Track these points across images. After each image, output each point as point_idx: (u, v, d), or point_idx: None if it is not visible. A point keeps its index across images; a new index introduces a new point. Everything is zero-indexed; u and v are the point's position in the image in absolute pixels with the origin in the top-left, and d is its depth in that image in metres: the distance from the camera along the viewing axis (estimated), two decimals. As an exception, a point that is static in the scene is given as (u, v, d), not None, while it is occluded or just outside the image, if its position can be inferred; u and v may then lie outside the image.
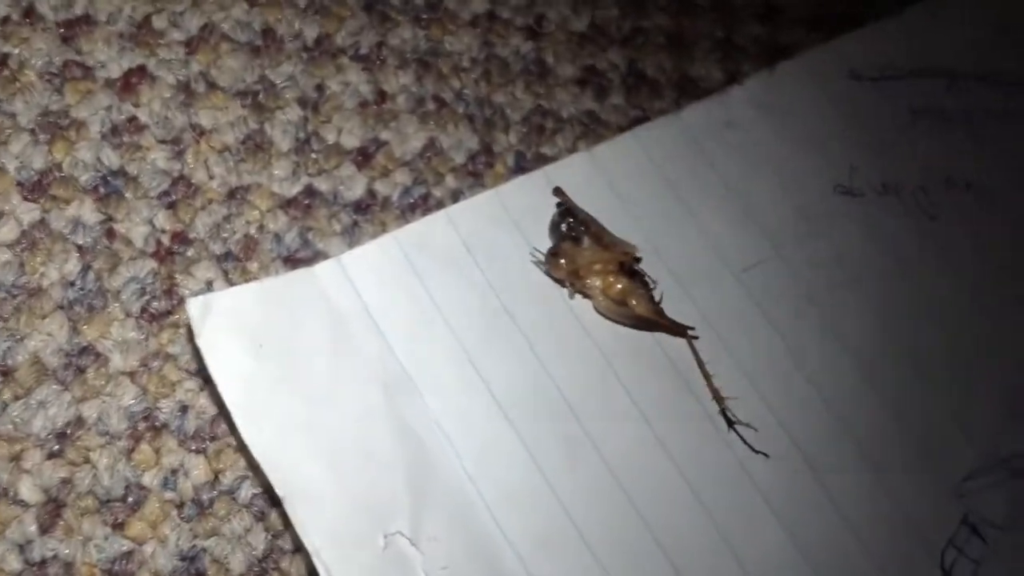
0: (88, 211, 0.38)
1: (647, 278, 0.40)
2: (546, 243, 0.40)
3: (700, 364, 0.39)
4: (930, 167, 0.46)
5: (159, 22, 0.41)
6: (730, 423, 0.39)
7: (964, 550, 0.39)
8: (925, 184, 0.45)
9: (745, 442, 0.39)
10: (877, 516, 0.39)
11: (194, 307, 0.36)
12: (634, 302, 0.39)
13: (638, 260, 0.41)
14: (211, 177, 0.39)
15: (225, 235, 0.39)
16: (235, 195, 0.39)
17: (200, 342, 0.36)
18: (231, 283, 0.38)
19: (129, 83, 0.40)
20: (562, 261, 0.39)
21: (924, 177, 0.45)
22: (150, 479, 0.35)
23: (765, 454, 0.39)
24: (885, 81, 0.47)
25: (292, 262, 0.39)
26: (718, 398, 0.39)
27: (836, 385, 0.41)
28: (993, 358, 0.43)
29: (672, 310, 0.40)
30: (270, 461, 0.35)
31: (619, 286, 0.39)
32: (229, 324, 0.36)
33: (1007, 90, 0.49)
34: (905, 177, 0.45)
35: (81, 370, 0.37)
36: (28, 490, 0.35)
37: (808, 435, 0.40)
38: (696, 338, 0.40)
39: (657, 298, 0.40)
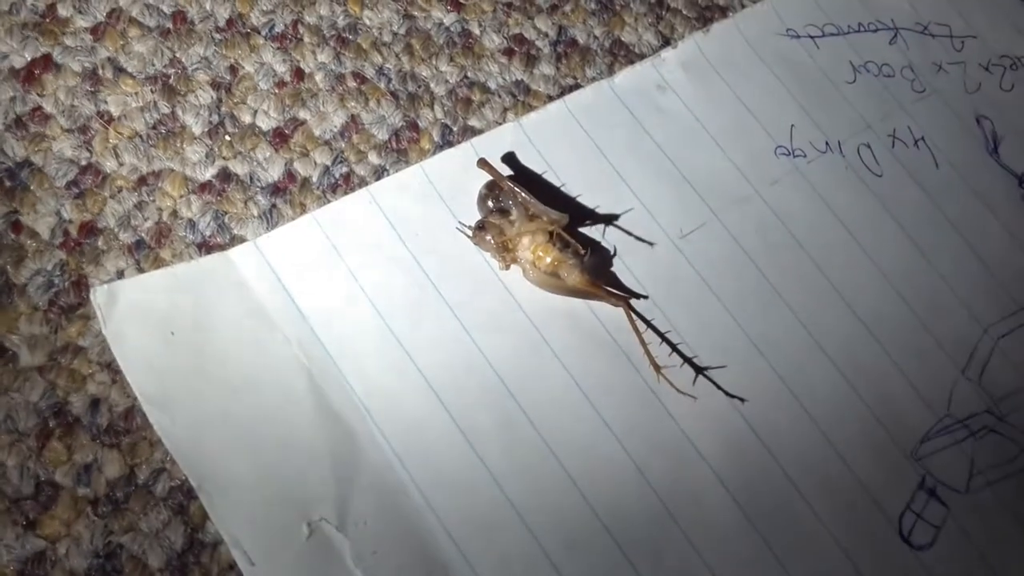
0: (-7, 205, 0.37)
1: (579, 245, 0.38)
2: (474, 217, 0.39)
3: (641, 330, 0.38)
4: (874, 123, 0.44)
5: (64, 10, 0.40)
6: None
7: (923, 515, 0.38)
8: (869, 140, 0.44)
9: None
10: (830, 482, 0.38)
11: (100, 296, 0.35)
12: (565, 273, 0.38)
13: (586, 221, 0.40)
14: (120, 164, 0.38)
15: (136, 223, 0.37)
16: (146, 182, 0.38)
17: (107, 332, 0.35)
18: (143, 272, 0.36)
19: (33, 73, 0.39)
20: (489, 235, 0.38)
21: (868, 133, 0.44)
22: (62, 476, 0.34)
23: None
24: (825, 38, 0.46)
25: (207, 248, 0.37)
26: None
27: (781, 349, 0.39)
28: (944, 316, 0.41)
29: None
30: (183, 452, 0.34)
31: (548, 259, 0.38)
32: (138, 312, 0.35)
33: (951, 42, 0.47)
34: (848, 134, 0.44)
35: (-13, 368, 0.35)
36: (-65, 493, 0.34)
37: (754, 402, 0.38)
38: (645, 297, 0.39)
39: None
